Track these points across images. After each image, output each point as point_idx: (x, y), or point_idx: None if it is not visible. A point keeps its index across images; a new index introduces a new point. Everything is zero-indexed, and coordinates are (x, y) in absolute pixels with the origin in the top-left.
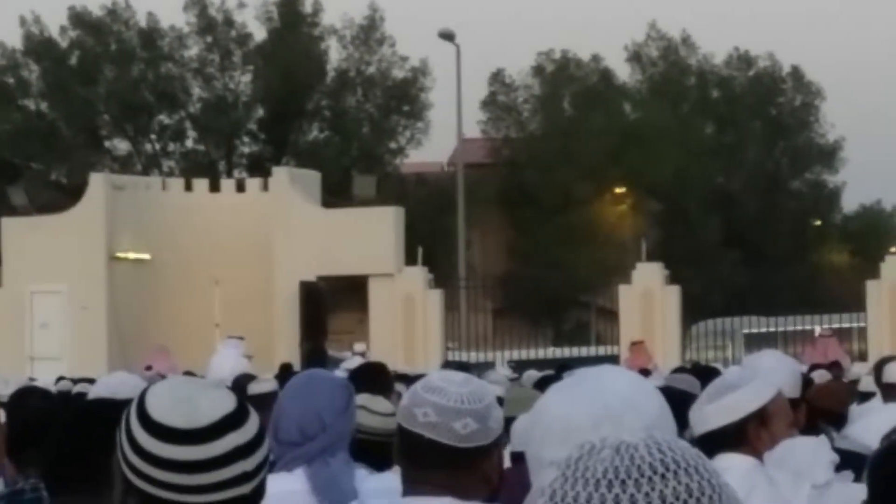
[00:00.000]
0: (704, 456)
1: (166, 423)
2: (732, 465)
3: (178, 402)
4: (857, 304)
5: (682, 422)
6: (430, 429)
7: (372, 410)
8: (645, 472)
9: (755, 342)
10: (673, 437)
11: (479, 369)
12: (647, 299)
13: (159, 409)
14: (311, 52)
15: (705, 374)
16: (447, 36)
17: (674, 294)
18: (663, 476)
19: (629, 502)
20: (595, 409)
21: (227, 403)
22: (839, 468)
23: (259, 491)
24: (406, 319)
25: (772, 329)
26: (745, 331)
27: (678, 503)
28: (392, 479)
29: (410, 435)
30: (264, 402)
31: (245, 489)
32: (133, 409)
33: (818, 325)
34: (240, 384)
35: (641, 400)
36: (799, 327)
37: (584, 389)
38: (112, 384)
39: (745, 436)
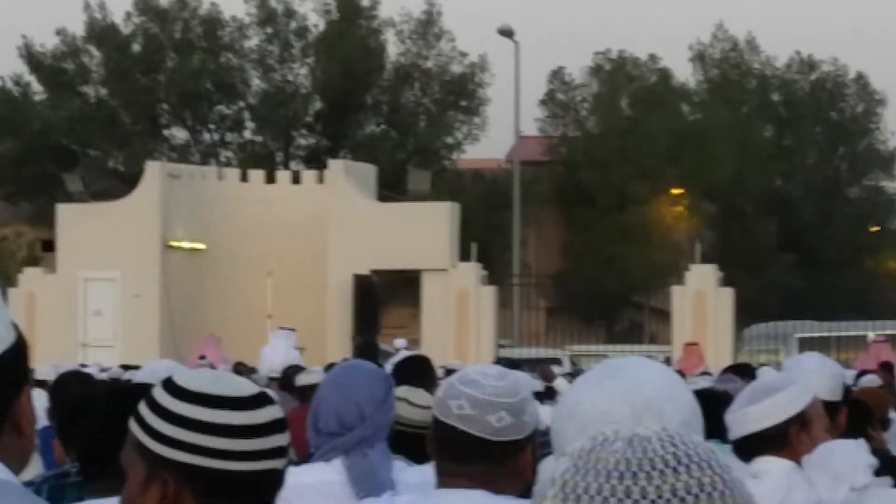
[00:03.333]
0: (717, 451)
1: (212, 392)
2: (771, 468)
3: (213, 379)
4: None
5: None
6: (465, 421)
7: (412, 403)
8: (657, 465)
9: (808, 346)
10: (695, 432)
11: (531, 366)
12: (700, 301)
13: (198, 385)
14: (369, 45)
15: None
16: (506, 33)
17: (727, 296)
18: (675, 469)
19: (640, 495)
20: (635, 403)
21: (255, 385)
22: (885, 472)
23: (284, 474)
24: (459, 315)
25: (825, 334)
26: (799, 335)
27: (690, 497)
28: (430, 471)
29: (444, 427)
30: (312, 394)
31: (280, 463)
32: (160, 391)
33: (871, 332)
34: (288, 375)
35: (678, 393)
36: (853, 332)
37: (621, 382)
38: (158, 371)
39: (785, 439)
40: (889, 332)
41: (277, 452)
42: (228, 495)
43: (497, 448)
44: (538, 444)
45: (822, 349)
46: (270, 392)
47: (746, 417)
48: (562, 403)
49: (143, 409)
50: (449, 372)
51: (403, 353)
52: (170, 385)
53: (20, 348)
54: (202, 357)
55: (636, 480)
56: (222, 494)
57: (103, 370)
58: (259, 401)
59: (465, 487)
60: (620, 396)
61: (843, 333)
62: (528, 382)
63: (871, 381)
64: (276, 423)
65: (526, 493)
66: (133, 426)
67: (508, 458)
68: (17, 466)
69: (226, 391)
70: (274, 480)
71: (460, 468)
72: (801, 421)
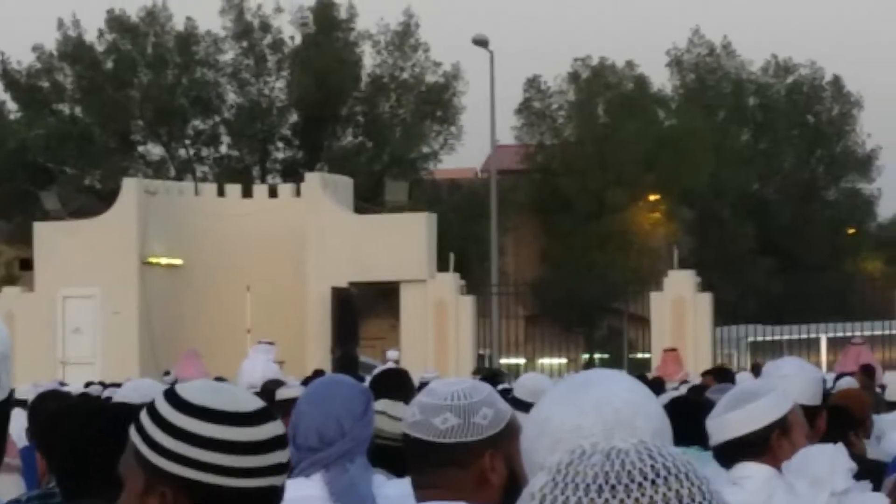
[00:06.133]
0: (695, 461)
1: (214, 406)
2: (751, 474)
3: (217, 392)
4: (890, 312)
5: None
6: (414, 427)
7: (392, 416)
8: (635, 477)
9: (760, 350)
10: (665, 442)
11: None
12: (679, 306)
13: (201, 397)
14: (345, 57)
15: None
16: (481, 42)
17: (706, 301)
18: (654, 482)
19: None
20: (605, 416)
21: (258, 399)
22: (864, 477)
23: (283, 491)
24: (438, 325)
25: (777, 337)
26: (751, 339)
27: None
28: (409, 484)
29: (404, 437)
30: (291, 408)
31: (279, 480)
32: (162, 402)
33: (823, 334)
34: (268, 389)
35: (648, 404)
36: (804, 336)
37: (590, 397)
38: (141, 388)
39: (767, 445)
40: (866, 333)
41: (277, 469)
42: None
43: (446, 451)
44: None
45: (773, 353)
46: None
47: (727, 423)
48: (530, 419)
49: (144, 419)
50: (424, 384)
51: (382, 367)
52: (173, 397)
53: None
54: (167, 373)
55: (615, 493)
56: None
57: (88, 385)
58: (261, 417)
59: (436, 499)
60: (591, 410)
61: (795, 336)
62: (486, 388)
63: (850, 383)
64: (278, 439)
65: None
66: (133, 436)
67: (464, 463)
68: None
69: (228, 406)
70: (273, 497)
71: (425, 478)
72: (782, 427)
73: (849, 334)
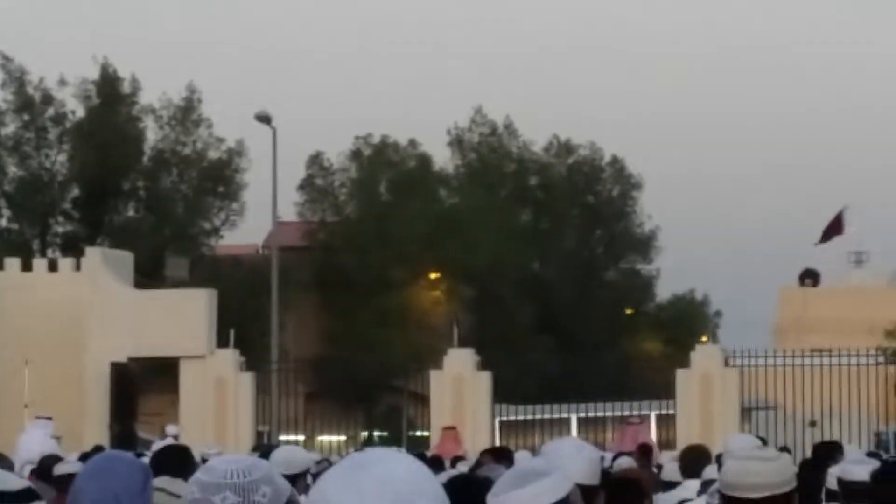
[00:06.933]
0: None
1: None
2: None
3: None
4: (667, 391)
5: None
6: None
7: (171, 493)
8: None
9: (510, 430)
10: None
11: None
12: (458, 385)
13: None
14: (127, 131)
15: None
16: (264, 118)
17: (485, 380)
18: None
19: None
20: (386, 497)
21: (23, 480)
22: None
23: None
24: (217, 402)
25: (528, 417)
26: (501, 419)
27: None
28: None
29: None
30: (69, 483)
31: None
32: None
33: (573, 414)
34: (45, 465)
35: (427, 484)
36: (556, 415)
37: (369, 477)
38: None
39: None
40: (639, 413)
41: None
42: None
43: None
44: None
45: (524, 432)
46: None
47: (511, 501)
48: (311, 499)
49: None
50: (205, 460)
51: (161, 443)
52: None
53: None
54: None
55: None
56: None
57: None
58: (27, 496)
59: None
60: (370, 491)
61: (546, 416)
62: (266, 465)
63: (628, 462)
64: None
65: None
66: None
67: None
68: None
69: None
70: None
71: None
72: None
73: (599, 414)
